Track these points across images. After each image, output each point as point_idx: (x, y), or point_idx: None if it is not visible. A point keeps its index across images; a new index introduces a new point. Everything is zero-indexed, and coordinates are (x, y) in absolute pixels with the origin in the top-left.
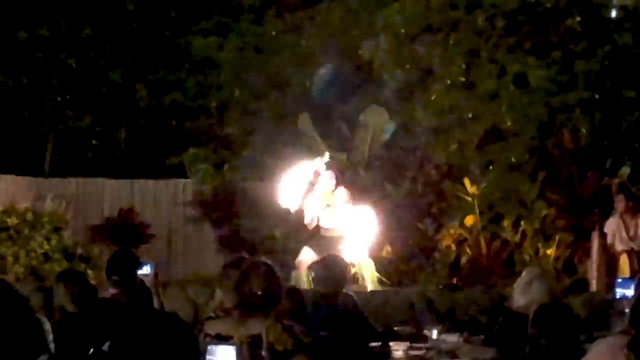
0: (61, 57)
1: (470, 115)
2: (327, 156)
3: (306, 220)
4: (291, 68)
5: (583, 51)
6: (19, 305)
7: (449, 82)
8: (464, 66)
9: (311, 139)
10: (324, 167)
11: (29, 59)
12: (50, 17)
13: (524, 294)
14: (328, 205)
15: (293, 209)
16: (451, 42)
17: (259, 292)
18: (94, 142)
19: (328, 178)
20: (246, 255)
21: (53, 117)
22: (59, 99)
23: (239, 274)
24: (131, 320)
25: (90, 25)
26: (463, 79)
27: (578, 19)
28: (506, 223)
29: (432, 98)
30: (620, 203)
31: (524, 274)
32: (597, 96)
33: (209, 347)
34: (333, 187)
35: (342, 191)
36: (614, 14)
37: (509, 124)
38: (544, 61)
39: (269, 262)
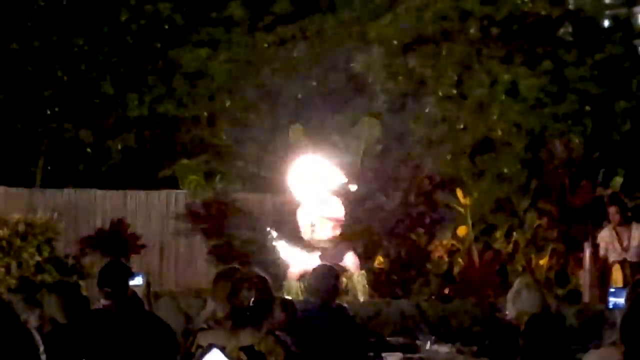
0: (52, 68)
1: (462, 126)
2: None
3: (302, 232)
4: (282, 80)
5: (575, 61)
6: (10, 318)
7: (441, 93)
8: (455, 77)
9: (303, 150)
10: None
11: (21, 71)
12: (42, 28)
13: (514, 304)
14: (321, 216)
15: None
16: (443, 52)
17: (251, 304)
18: (88, 150)
19: (319, 192)
20: (238, 267)
21: (45, 129)
22: (49, 112)
23: (231, 285)
24: (123, 331)
25: (82, 37)
26: (454, 91)
27: (570, 29)
28: (498, 234)
29: (426, 110)
30: (615, 215)
31: (514, 284)
32: (588, 107)
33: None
34: (327, 199)
35: (336, 203)
36: (606, 23)
37: (499, 133)
38: (535, 70)
39: (261, 273)
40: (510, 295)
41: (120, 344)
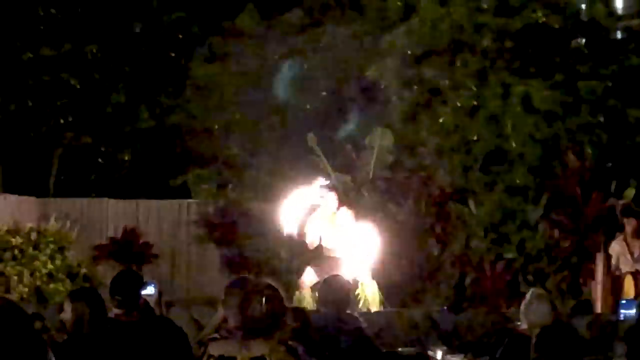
0: (65, 77)
1: (475, 137)
2: (326, 180)
3: (308, 241)
4: (293, 91)
5: (588, 72)
6: (24, 328)
7: (459, 104)
8: (474, 89)
9: (316, 159)
10: (327, 188)
11: (33, 79)
12: (55, 37)
13: (525, 315)
14: (331, 226)
15: (294, 231)
16: (458, 64)
17: (263, 314)
18: (99, 160)
19: (331, 199)
20: (250, 276)
21: (57, 138)
22: (62, 121)
23: (242, 295)
24: (135, 340)
25: (95, 46)
26: (474, 103)
27: (583, 40)
28: (510, 244)
29: (440, 120)
30: (628, 226)
31: (526, 295)
32: (601, 118)
33: None
34: (336, 208)
35: (346, 211)
36: (619, 35)
37: (513, 145)
38: (548, 82)
39: (273, 283)
40: (522, 306)
41: (132, 353)
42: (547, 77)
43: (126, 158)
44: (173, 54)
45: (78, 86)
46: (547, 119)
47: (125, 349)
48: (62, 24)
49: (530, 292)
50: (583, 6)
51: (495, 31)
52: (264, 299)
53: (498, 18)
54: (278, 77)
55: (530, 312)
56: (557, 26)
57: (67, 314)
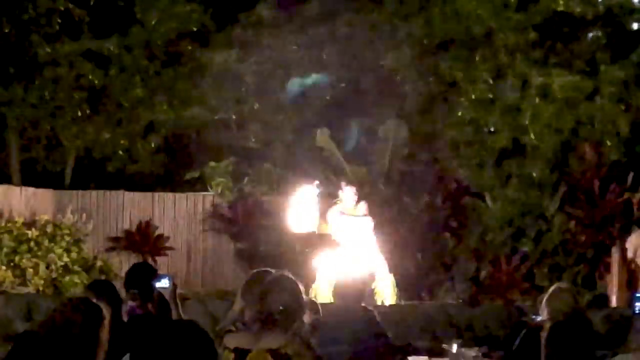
0: (83, 72)
1: (492, 129)
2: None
3: (332, 234)
4: (310, 82)
5: (608, 62)
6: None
7: (474, 96)
8: (491, 81)
9: (330, 152)
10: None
11: (51, 74)
12: (72, 32)
13: (546, 307)
14: (350, 219)
15: (302, 230)
16: (477, 57)
17: (281, 308)
18: (120, 152)
19: (351, 193)
20: (270, 270)
21: (75, 131)
22: (79, 114)
23: (261, 288)
24: (150, 333)
25: (111, 40)
26: (490, 95)
27: (600, 32)
28: (526, 238)
29: (459, 114)
30: None
31: (550, 288)
32: (622, 107)
33: None
34: (355, 201)
35: (362, 205)
36: (635, 26)
37: (532, 136)
38: (568, 70)
39: (292, 276)
40: (544, 298)
41: (147, 345)
42: (567, 66)
43: (142, 151)
44: (190, 47)
45: (96, 81)
46: (567, 106)
47: (144, 341)
48: (79, 19)
49: (554, 286)
50: None
51: (515, 22)
52: (282, 293)
53: (519, 14)
54: (296, 68)
55: (552, 305)
56: (578, 10)
57: None
